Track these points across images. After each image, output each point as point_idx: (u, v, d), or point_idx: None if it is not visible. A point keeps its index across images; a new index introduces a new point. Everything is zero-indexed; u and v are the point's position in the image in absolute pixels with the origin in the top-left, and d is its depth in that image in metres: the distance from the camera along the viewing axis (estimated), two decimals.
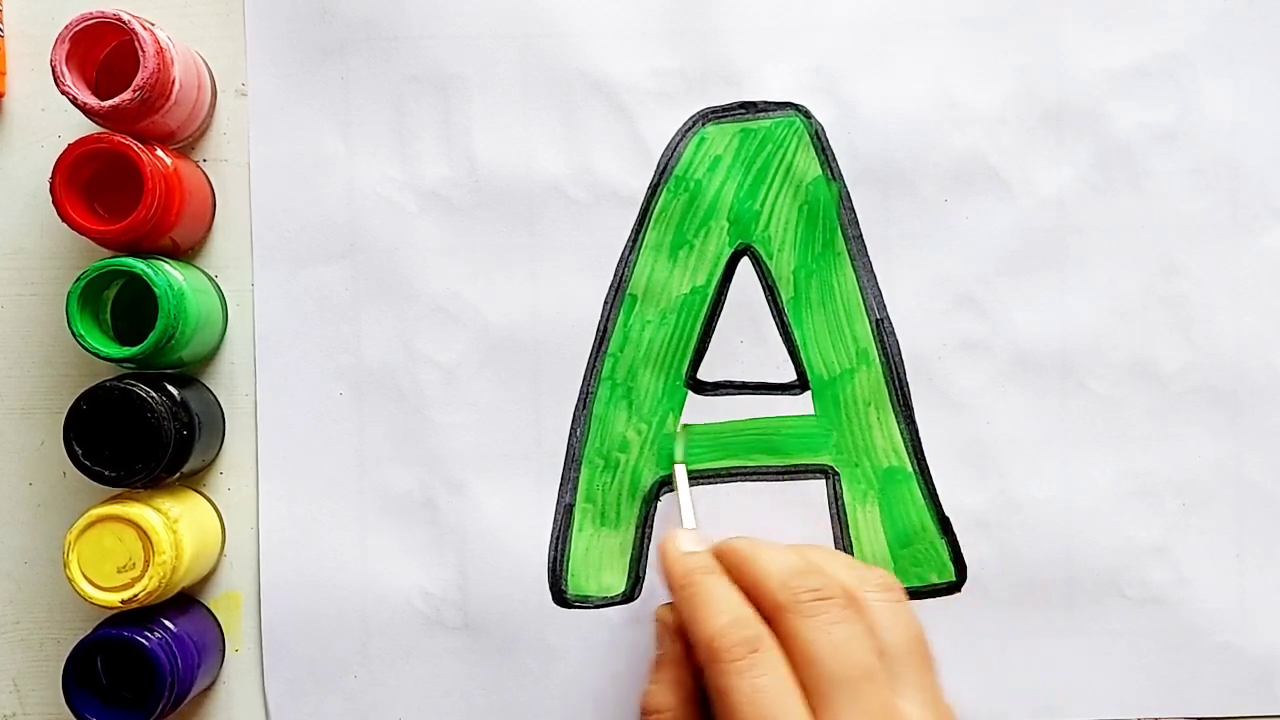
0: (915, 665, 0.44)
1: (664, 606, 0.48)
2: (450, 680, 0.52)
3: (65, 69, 0.46)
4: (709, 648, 0.43)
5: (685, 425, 0.52)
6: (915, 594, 0.52)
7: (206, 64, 0.51)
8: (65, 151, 0.47)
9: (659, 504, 0.52)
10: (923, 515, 0.52)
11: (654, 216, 0.52)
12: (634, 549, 0.52)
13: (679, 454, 0.52)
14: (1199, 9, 0.52)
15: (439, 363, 0.52)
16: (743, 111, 0.52)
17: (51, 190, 0.47)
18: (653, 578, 0.52)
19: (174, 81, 0.47)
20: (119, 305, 0.49)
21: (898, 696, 0.42)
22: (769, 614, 0.43)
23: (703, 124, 0.52)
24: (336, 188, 0.52)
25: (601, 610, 0.52)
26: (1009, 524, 0.52)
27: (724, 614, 0.43)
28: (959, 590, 0.52)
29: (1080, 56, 0.52)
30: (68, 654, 0.47)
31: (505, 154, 0.52)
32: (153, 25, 0.48)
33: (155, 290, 0.47)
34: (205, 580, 0.52)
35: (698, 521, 0.50)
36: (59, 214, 0.47)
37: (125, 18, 0.46)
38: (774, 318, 0.52)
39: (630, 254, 0.52)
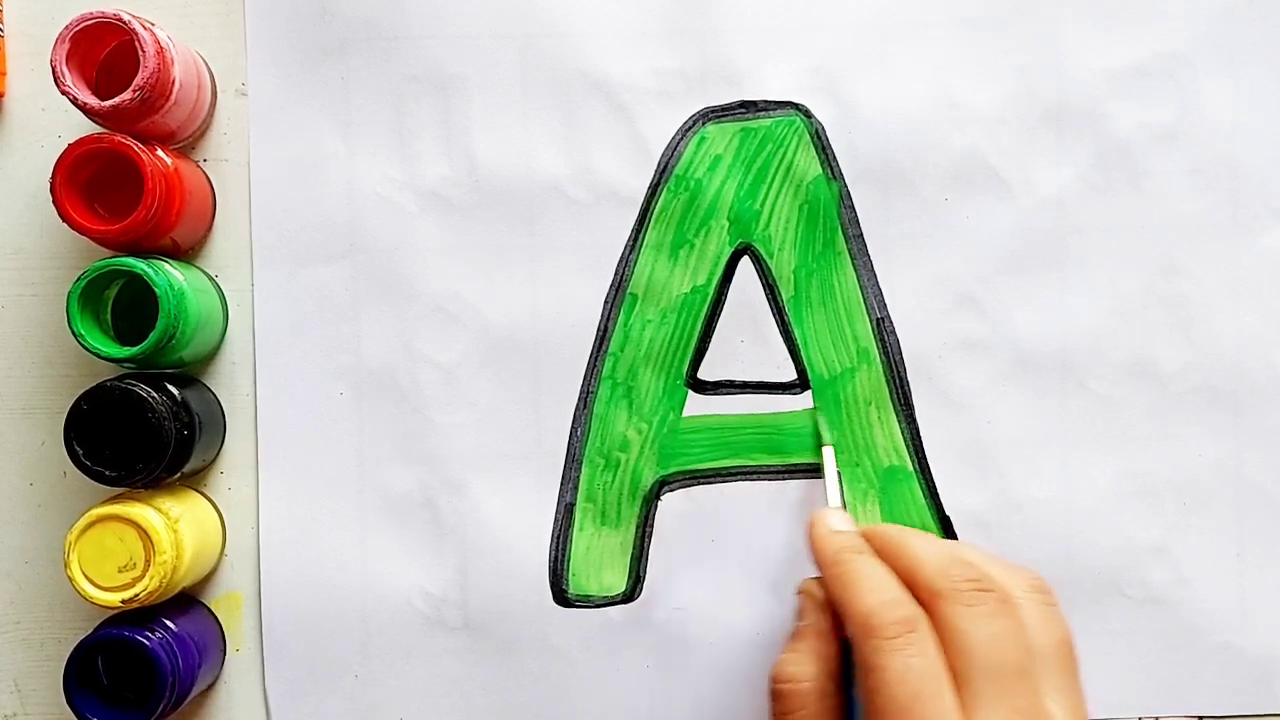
0: (1062, 668, 0.43)
1: (810, 580, 0.47)
2: (450, 680, 0.52)
3: (65, 69, 0.46)
4: (865, 623, 0.43)
5: (817, 411, 0.52)
6: None
7: (206, 64, 0.51)
8: (65, 151, 0.47)
9: (660, 503, 0.52)
10: (923, 514, 0.52)
11: (654, 216, 0.52)
12: (635, 548, 0.52)
13: (825, 436, 0.52)
14: (1199, 9, 0.52)
15: (439, 363, 0.52)
16: (743, 111, 0.52)
17: (52, 190, 0.47)
18: (654, 577, 0.52)
19: (174, 81, 0.47)
20: (119, 305, 0.49)
21: (1044, 697, 0.42)
22: (923, 600, 0.43)
23: (703, 123, 0.52)
24: (336, 188, 0.52)
25: (602, 610, 0.52)
26: (1009, 524, 0.52)
27: (881, 592, 0.43)
28: None
29: (1080, 56, 0.52)
30: (69, 654, 0.47)
31: (505, 154, 0.52)
32: (153, 25, 0.48)
33: (155, 290, 0.47)
34: (206, 580, 0.52)
35: (844, 503, 0.50)
36: (59, 214, 0.47)
37: (125, 18, 0.46)
38: (774, 317, 0.52)
39: (630, 253, 0.52)
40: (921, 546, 0.45)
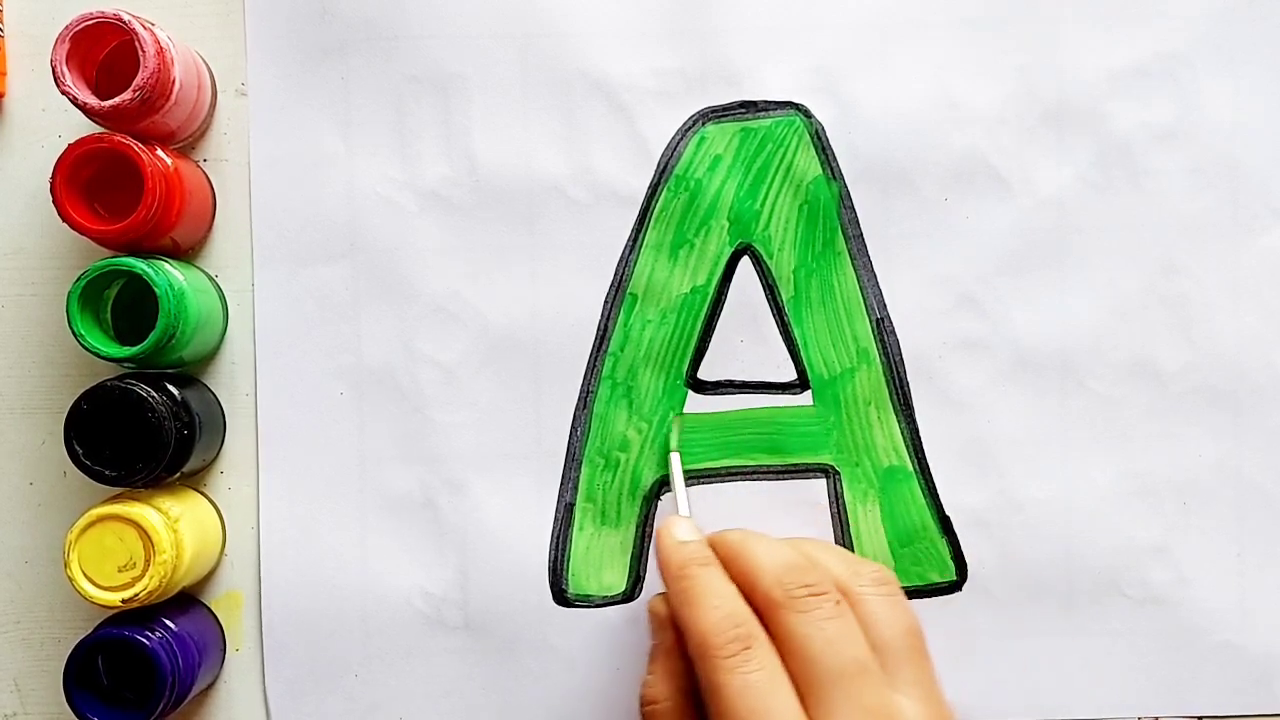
0: (911, 659, 0.43)
1: (657, 597, 0.47)
2: (450, 680, 0.52)
3: (65, 69, 0.47)
4: (701, 643, 0.43)
5: (679, 414, 0.52)
6: (916, 593, 0.52)
7: (206, 64, 0.51)
8: (65, 151, 0.47)
9: (660, 503, 0.52)
10: (923, 514, 0.52)
11: (654, 216, 0.52)
12: (635, 548, 0.52)
13: (674, 442, 0.52)
14: (1199, 9, 0.52)
15: (439, 362, 0.52)
16: (743, 111, 0.52)
17: (52, 190, 0.47)
18: (653, 576, 0.52)
19: (174, 81, 0.48)
20: (119, 305, 0.49)
21: (894, 691, 0.42)
22: (762, 609, 0.44)
23: (703, 123, 0.52)
24: (336, 188, 0.52)
25: (602, 609, 0.52)
26: (1009, 523, 0.52)
27: (717, 609, 0.43)
28: (959, 589, 0.52)
29: (1080, 56, 0.52)
30: (69, 653, 0.47)
31: (505, 154, 0.52)
32: (153, 25, 0.48)
33: (156, 290, 0.47)
34: (206, 580, 0.52)
35: (692, 512, 0.50)
36: (59, 214, 0.47)
37: (125, 18, 0.46)
38: (774, 317, 0.52)
39: (630, 253, 0.52)
40: (762, 553, 0.45)
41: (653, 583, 0.52)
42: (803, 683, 0.42)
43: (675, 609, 0.45)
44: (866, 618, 0.44)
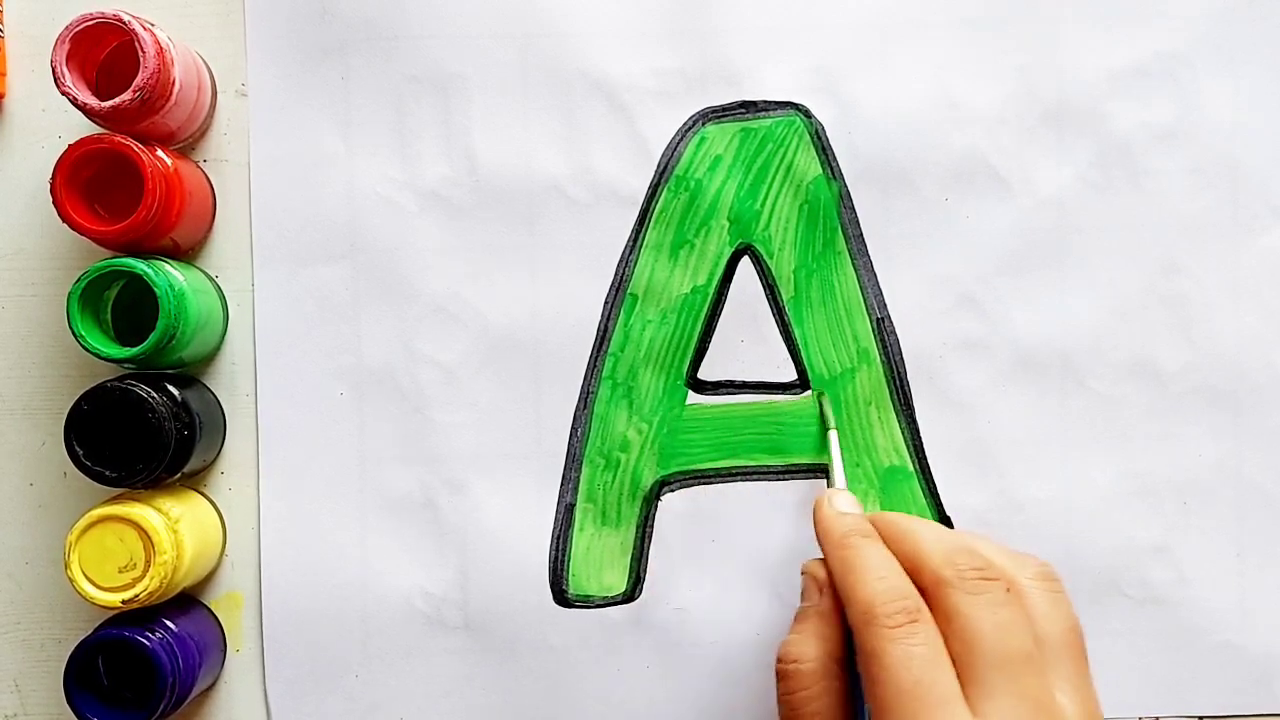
0: (1070, 657, 0.43)
1: (814, 561, 0.47)
2: (450, 680, 0.52)
3: (65, 69, 0.46)
4: (867, 609, 0.42)
5: (823, 393, 0.52)
6: None
7: (206, 64, 0.51)
8: (65, 152, 0.47)
9: (660, 503, 0.52)
10: (924, 514, 0.52)
11: (654, 216, 0.52)
12: (635, 548, 0.52)
13: (829, 420, 0.51)
14: (1199, 9, 0.52)
15: (439, 362, 0.52)
16: (743, 111, 0.52)
17: (52, 191, 0.47)
18: (654, 577, 0.52)
19: (174, 82, 0.47)
20: (119, 305, 0.49)
21: (1053, 688, 0.42)
22: (928, 588, 0.43)
23: (703, 124, 0.52)
24: (336, 188, 0.52)
25: (602, 610, 0.52)
26: (1009, 523, 0.52)
27: (883, 580, 0.43)
28: None
29: (1080, 56, 0.52)
30: (69, 654, 0.47)
31: (505, 154, 0.52)
32: (153, 26, 0.48)
33: (156, 290, 0.47)
34: (206, 580, 0.52)
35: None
36: (59, 214, 0.47)
37: (125, 18, 0.46)
38: (774, 317, 0.52)
39: (630, 254, 0.52)
40: (928, 534, 0.45)
41: (653, 583, 0.52)
42: (965, 664, 0.41)
43: (837, 576, 0.45)
44: (1032, 611, 0.43)
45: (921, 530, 0.45)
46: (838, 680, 0.44)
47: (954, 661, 0.42)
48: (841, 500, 0.48)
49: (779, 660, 0.45)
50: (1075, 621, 0.44)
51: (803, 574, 0.47)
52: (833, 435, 0.51)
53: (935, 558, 0.44)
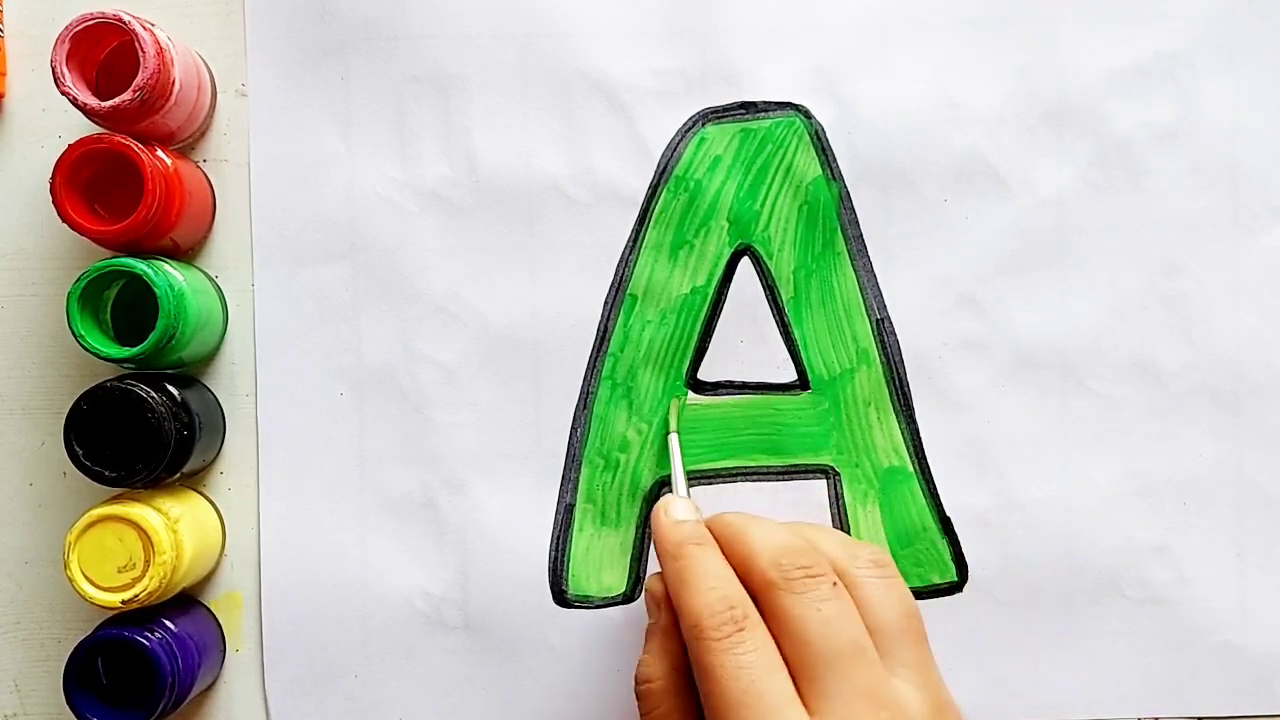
0: (908, 643, 0.43)
1: (654, 576, 0.47)
2: (450, 680, 0.52)
3: (65, 69, 0.46)
4: (695, 624, 0.43)
5: (679, 396, 0.52)
6: (917, 594, 0.52)
7: (206, 64, 0.51)
8: (65, 152, 0.47)
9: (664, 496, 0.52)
10: (924, 515, 0.52)
11: (654, 216, 0.52)
12: (634, 549, 0.52)
13: (672, 423, 0.51)
14: (1199, 9, 0.52)
15: (439, 362, 0.52)
16: (743, 111, 0.52)
17: (52, 190, 0.47)
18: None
19: (174, 82, 0.47)
20: (119, 305, 0.49)
21: (890, 675, 0.42)
22: (758, 591, 0.43)
23: (703, 124, 0.52)
24: (336, 188, 0.52)
25: (602, 610, 0.52)
26: (1010, 524, 0.52)
27: (711, 590, 0.43)
28: (960, 590, 0.52)
29: (1080, 56, 0.52)
30: (68, 654, 0.47)
31: (505, 154, 0.52)
32: (153, 26, 0.48)
33: (155, 290, 0.47)
34: (206, 580, 0.52)
35: (690, 494, 0.50)
36: (59, 214, 0.47)
37: (125, 18, 0.46)
38: (774, 317, 0.52)
39: (630, 254, 0.52)
40: (758, 535, 0.44)
41: None
42: (797, 665, 0.42)
43: (670, 589, 0.45)
44: (863, 601, 0.43)
45: (752, 531, 0.45)
46: (686, 697, 0.44)
47: (788, 663, 0.42)
48: (677, 508, 0.47)
49: (635, 681, 0.46)
50: (911, 605, 0.44)
51: (645, 590, 0.48)
52: (673, 439, 0.51)
53: (763, 559, 0.44)
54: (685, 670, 0.45)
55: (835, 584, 0.43)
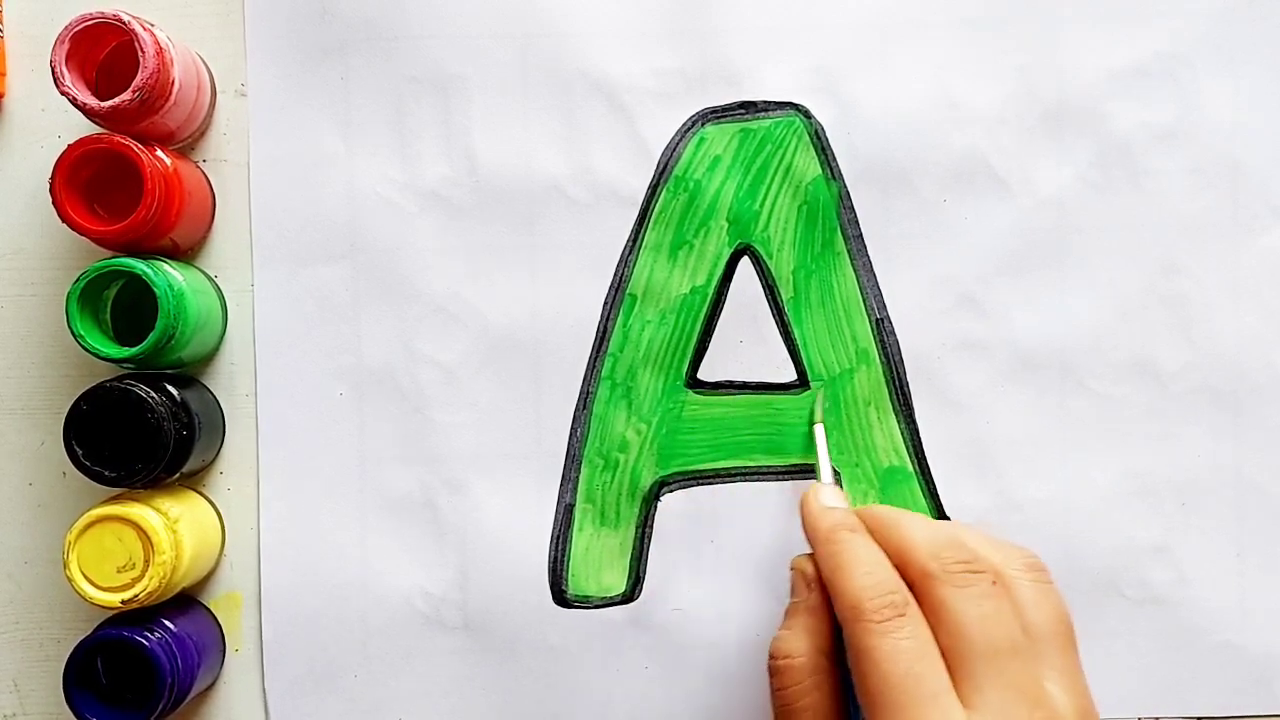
0: (1060, 646, 0.43)
1: (802, 556, 0.47)
2: (450, 680, 0.52)
3: (65, 69, 0.46)
4: (854, 605, 0.42)
5: (821, 388, 0.52)
6: None
7: (206, 64, 0.51)
8: (65, 152, 0.47)
9: (659, 503, 0.52)
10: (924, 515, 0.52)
11: (654, 216, 0.52)
12: (634, 549, 0.52)
13: (818, 414, 0.51)
14: (1199, 9, 0.52)
15: (439, 362, 0.52)
16: (742, 111, 0.52)
17: (51, 190, 0.47)
18: (653, 577, 0.52)
19: (174, 82, 0.47)
20: (119, 305, 0.49)
21: (1042, 678, 0.42)
22: (915, 581, 0.43)
23: (702, 124, 0.52)
24: (336, 188, 0.52)
25: (602, 610, 0.52)
26: (1009, 524, 0.52)
27: (869, 574, 0.43)
28: None
29: (1080, 56, 0.52)
30: (68, 654, 0.47)
31: (505, 154, 0.52)
32: (152, 26, 0.48)
33: (155, 290, 0.47)
34: (205, 580, 0.52)
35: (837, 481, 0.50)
36: (59, 214, 0.47)
37: (125, 18, 0.46)
38: (774, 317, 0.52)
39: (630, 254, 0.52)
40: (914, 527, 0.45)
41: (652, 584, 0.52)
42: (953, 657, 0.42)
43: (825, 571, 0.45)
44: (1019, 602, 0.43)
45: (908, 523, 0.45)
46: (828, 675, 0.45)
47: (943, 655, 0.42)
48: (828, 495, 0.48)
49: (770, 656, 0.45)
50: (1064, 611, 0.44)
51: (791, 569, 0.48)
52: (819, 430, 0.51)
53: (921, 551, 0.44)
54: (828, 651, 0.45)
55: (995, 581, 0.43)
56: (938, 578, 0.43)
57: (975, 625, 0.42)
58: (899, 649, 0.41)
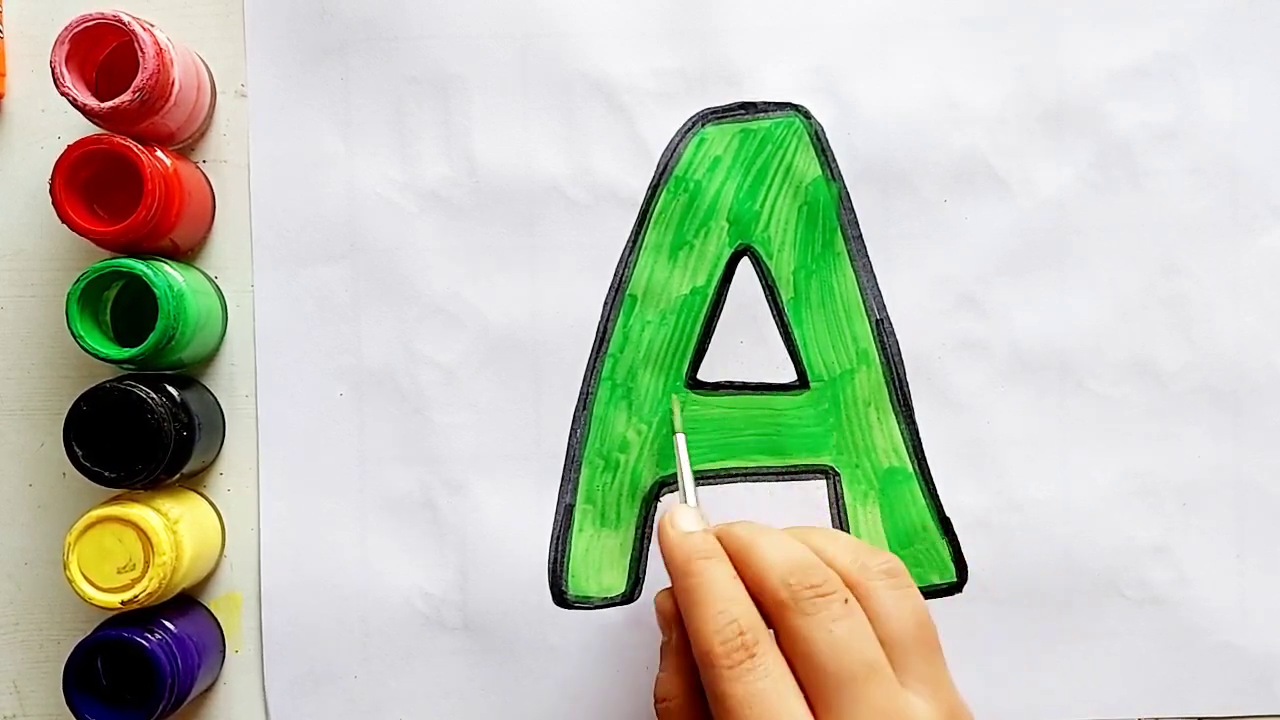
0: (921, 654, 0.43)
1: (663, 593, 0.47)
2: (450, 680, 0.52)
3: (65, 70, 0.46)
4: (706, 650, 0.42)
5: (677, 395, 0.52)
6: None
7: (206, 64, 0.51)
8: (65, 153, 0.47)
9: (659, 504, 0.52)
10: (923, 515, 0.52)
11: (654, 217, 0.52)
12: (634, 549, 0.52)
13: (677, 423, 0.51)
14: (1199, 9, 0.52)
15: (439, 363, 0.52)
16: (743, 112, 0.52)
17: (51, 191, 0.47)
18: (653, 578, 0.52)
19: (174, 82, 0.47)
20: (119, 306, 0.49)
21: (904, 689, 0.42)
22: (769, 610, 0.43)
23: (703, 124, 0.52)
24: (336, 188, 0.52)
25: (602, 610, 0.52)
26: (1009, 524, 0.52)
27: (721, 615, 0.42)
28: (960, 590, 0.52)
29: (1080, 56, 0.52)
30: (68, 655, 0.47)
31: (505, 154, 0.52)
32: (152, 26, 0.48)
33: (155, 291, 0.47)
34: (205, 581, 0.52)
35: (698, 499, 0.49)
36: (59, 215, 0.47)
37: (125, 19, 0.46)
38: (774, 318, 0.52)
39: (630, 254, 0.52)
40: (768, 550, 0.44)
41: (652, 584, 0.52)
42: (810, 686, 0.41)
43: (682, 609, 0.44)
44: (875, 611, 0.43)
45: (763, 546, 0.44)
46: (705, 713, 0.44)
47: (802, 686, 0.41)
48: (684, 519, 0.46)
49: (654, 699, 0.46)
50: (924, 615, 0.44)
51: (656, 608, 0.47)
52: (679, 440, 0.50)
53: (772, 577, 0.43)
54: (701, 688, 0.44)
55: (846, 600, 0.42)
56: (789, 606, 0.42)
57: (828, 654, 0.41)
58: (752, 693, 0.41)
